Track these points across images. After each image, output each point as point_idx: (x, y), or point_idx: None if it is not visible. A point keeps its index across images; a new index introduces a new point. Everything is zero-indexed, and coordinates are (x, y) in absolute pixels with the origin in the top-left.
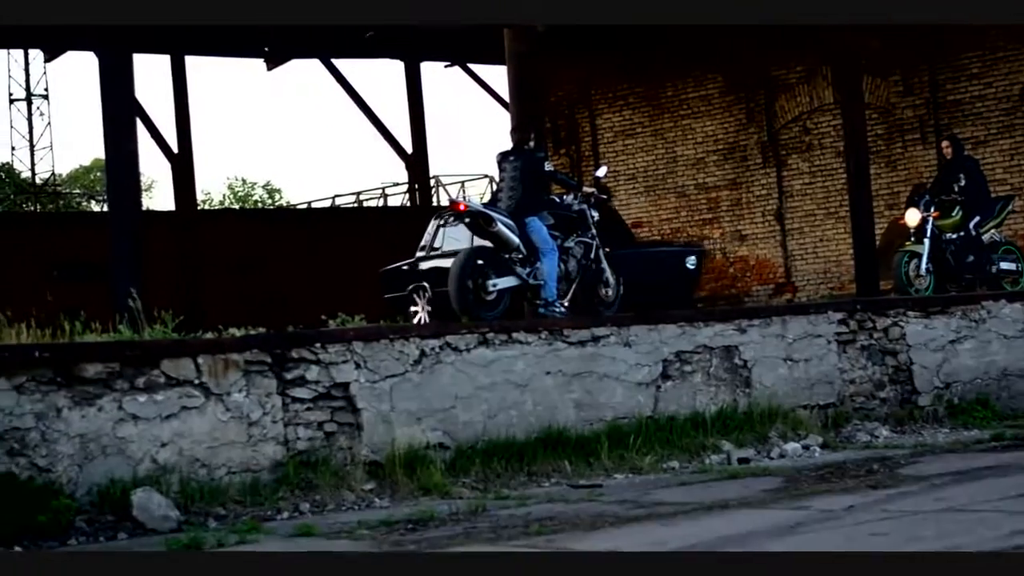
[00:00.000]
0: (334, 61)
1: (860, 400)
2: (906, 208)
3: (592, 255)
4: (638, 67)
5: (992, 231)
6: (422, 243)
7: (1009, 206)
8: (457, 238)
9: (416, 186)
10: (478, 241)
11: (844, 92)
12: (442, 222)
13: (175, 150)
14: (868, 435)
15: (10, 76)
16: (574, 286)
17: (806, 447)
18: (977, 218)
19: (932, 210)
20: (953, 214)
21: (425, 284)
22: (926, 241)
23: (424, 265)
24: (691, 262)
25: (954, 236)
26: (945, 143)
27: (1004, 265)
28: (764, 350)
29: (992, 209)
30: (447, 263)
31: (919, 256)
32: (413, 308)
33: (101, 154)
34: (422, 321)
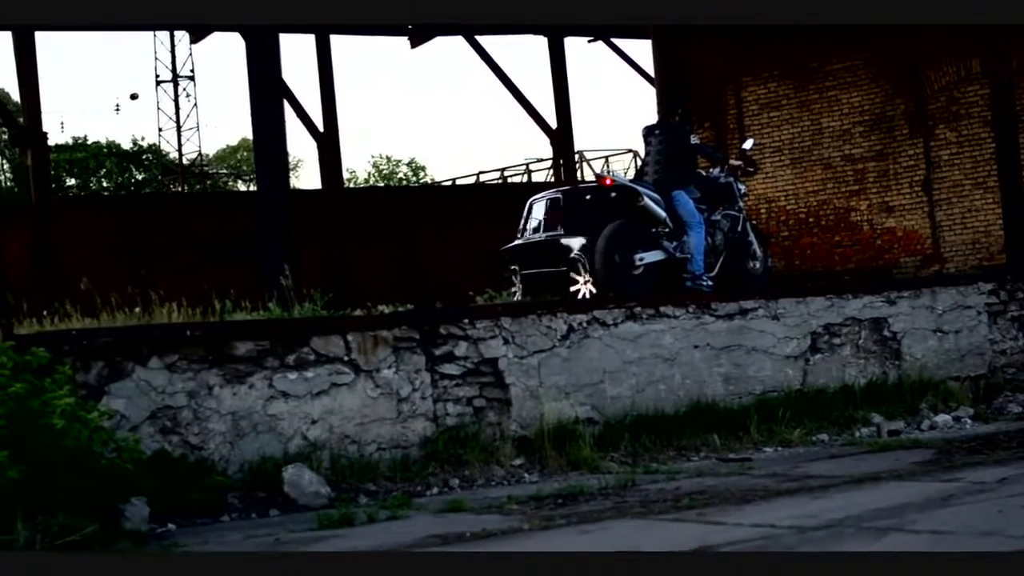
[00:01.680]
0: (477, 38)
1: (1011, 371)
2: None
3: (739, 228)
4: (783, 39)
5: None
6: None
7: None
8: (537, 218)
9: (560, 161)
10: (535, 225)
11: (991, 62)
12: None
13: (321, 129)
14: (1020, 406)
15: (156, 58)
16: (721, 259)
17: (957, 419)
18: None
19: None
20: None
21: (515, 267)
22: None
23: (513, 246)
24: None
25: None
26: None
27: None
28: (914, 322)
29: None
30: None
31: None
32: (513, 289)
33: (248, 134)
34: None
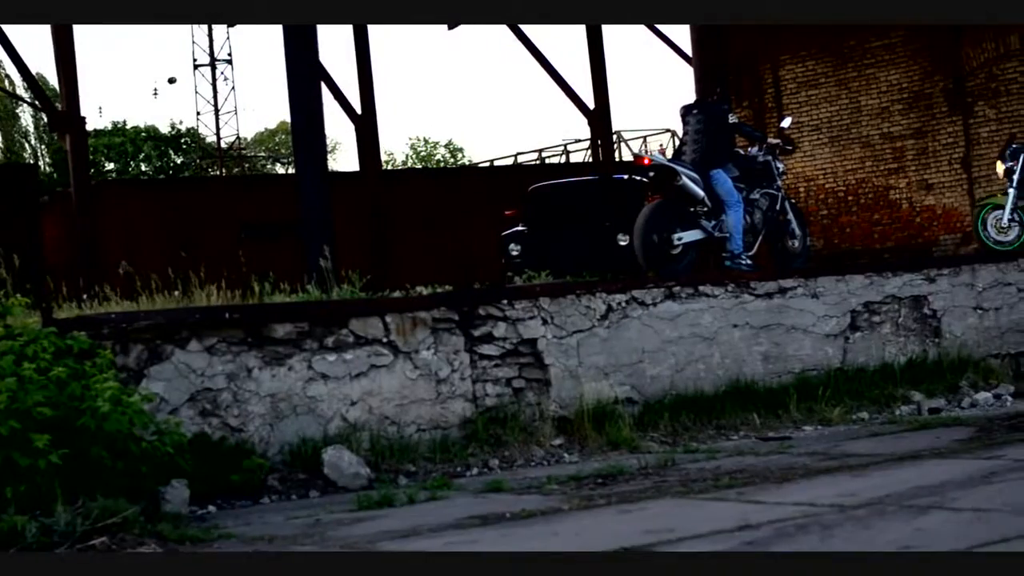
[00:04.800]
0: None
1: None
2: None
3: (778, 207)
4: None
5: None
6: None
7: None
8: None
9: (598, 141)
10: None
11: None
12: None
13: (358, 111)
14: None
15: (194, 42)
16: (760, 238)
17: (997, 396)
18: None
19: (1021, 158)
20: None
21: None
22: (1010, 191)
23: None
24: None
25: None
26: None
27: None
28: (954, 299)
29: None
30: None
31: (1002, 208)
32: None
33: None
34: None
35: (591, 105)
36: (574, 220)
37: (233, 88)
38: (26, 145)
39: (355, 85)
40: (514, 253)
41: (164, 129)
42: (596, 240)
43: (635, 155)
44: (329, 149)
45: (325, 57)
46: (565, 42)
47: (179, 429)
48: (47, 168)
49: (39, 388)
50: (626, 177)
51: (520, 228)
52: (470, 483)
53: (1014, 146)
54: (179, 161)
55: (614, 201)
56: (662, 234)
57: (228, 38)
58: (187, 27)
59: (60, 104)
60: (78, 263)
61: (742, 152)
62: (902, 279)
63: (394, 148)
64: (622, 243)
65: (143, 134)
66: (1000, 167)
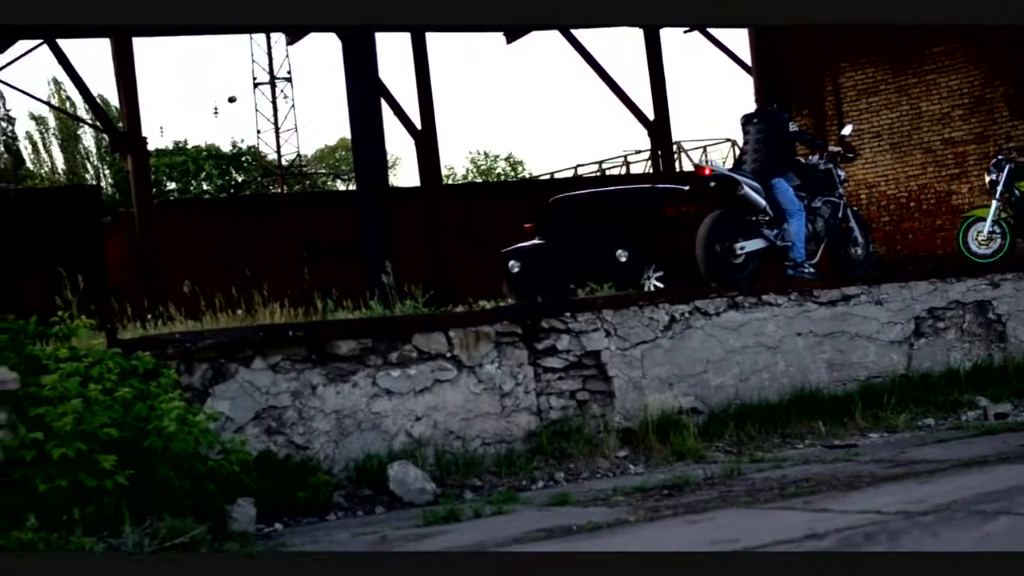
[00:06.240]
0: (573, 31)
1: None
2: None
3: (840, 214)
4: (879, 24)
5: None
6: None
7: None
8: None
9: (659, 152)
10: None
11: None
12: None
13: (418, 127)
14: None
15: (254, 61)
16: (822, 246)
17: None
18: None
19: (1006, 170)
20: None
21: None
22: (993, 203)
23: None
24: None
25: None
26: None
27: None
28: (1018, 304)
29: None
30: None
31: (984, 220)
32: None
33: (345, 133)
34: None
35: (651, 116)
36: (581, 233)
37: (293, 106)
38: (88, 166)
39: (415, 100)
40: (514, 270)
41: (225, 148)
42: (597, 255)
43: (696, 165)
44: (390, 165)
45: (384, 72)
46: (625, 54)
47: (244, 447)
48: (109, 188)
49: (105, 409)
50: (648, 186)
51: (521, 244)
52: (536, 496)
53: (999, 157)
54: (240, 180)
55: (620, 214)
56: (724, 244)
57: (287, 56)
58: (247, 46)
59: (122, 125)
60: (141, 283)
61: (803, 160)
62: (966, 284)
63: (454, 162)
64: (621, 259)
65: (204, 153)
66: (986, 178)
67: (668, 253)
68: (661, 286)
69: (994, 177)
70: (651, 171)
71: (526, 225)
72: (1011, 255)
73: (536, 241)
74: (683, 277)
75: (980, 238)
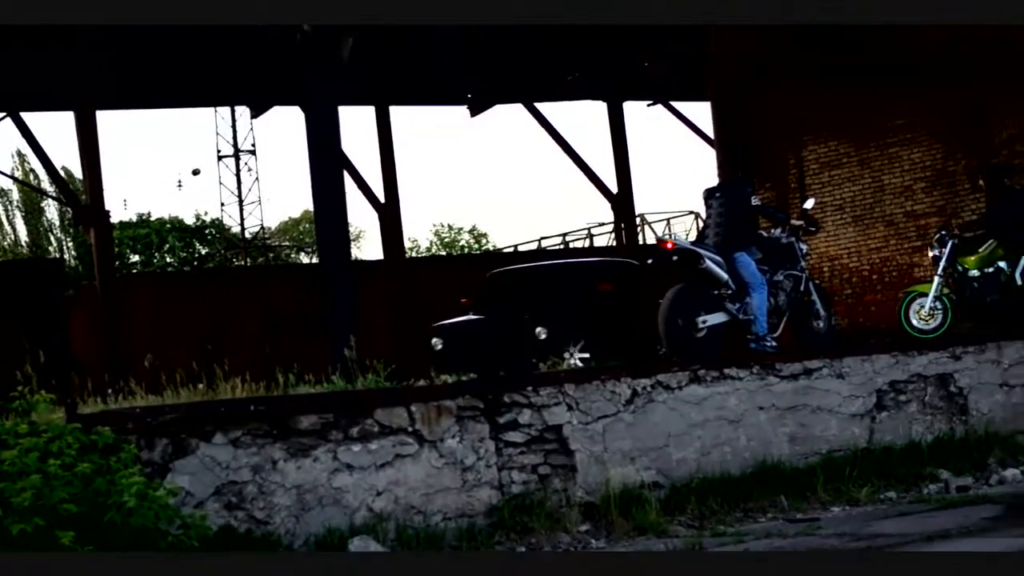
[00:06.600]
0: (537, 105)
1: None
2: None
3: (802, 288)
4: (841, 98)
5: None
6: None
7: None
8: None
9: (622, 225)
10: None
11: None
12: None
13: (382, 199)
14: None
15: (218, 134)
16: (784, 319)
17: None
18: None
19: (949, 245)
20: (980, 250)
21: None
22: (935, 279)
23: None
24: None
25: (978, 274)
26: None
27: None
28: (980, 376)
29: None
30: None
31: (926, 296)
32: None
33: (309, 206)
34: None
35: (614, 189)
36: (508, 310)
37: (257, 179)
38: (51, 238)
39: (379, 173)
40: (437, 348)
41: (189, 220)
42: (518, 331)
43: (658, 239)
44: (353, 238)
45: (348, 145)
46: (588, 128)
47: (205, 523)
48: (72, 261)
49: (64, 484)
50: (578, 261)
51: (445, 321)
52: None
53: (942, 233)
54: (204, 252)
55: (550, 290)
56: (687, 317)
57: (251, 129)
58: (211, 119)
59: (85, 197)
60: (103, 357)
61: (765, 234)
62: (928, 357)
63: (418, 235)
64: (541, 336)
65: (168, 225)
66: (929, 253)
67: (601, 328)
68: (581, 364)
69: (937, 253)
70: (615, 244)
71: (462, 300)
72: (952, 331)
73: (462, 317)
74: (614, 354)
75: (922, 313)
